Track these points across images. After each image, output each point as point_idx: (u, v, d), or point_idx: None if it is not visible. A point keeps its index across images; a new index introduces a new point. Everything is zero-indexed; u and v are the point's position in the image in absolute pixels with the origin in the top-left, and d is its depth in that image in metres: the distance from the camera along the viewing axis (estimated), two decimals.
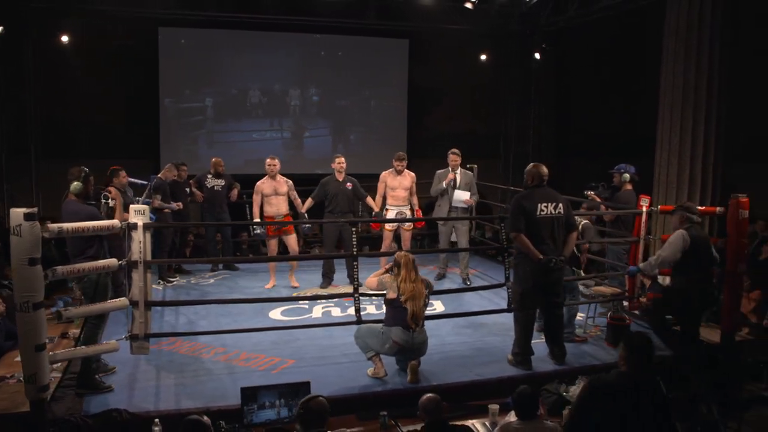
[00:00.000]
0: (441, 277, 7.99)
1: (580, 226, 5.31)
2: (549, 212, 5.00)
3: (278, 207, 7.52)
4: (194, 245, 9.66)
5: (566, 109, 13.92)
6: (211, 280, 8.09)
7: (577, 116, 13.97)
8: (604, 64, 13.19)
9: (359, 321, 5.34)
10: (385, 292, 4.99)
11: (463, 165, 8.05)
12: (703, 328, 6.25)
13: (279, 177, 7.56)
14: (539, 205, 4.99)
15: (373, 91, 12.87)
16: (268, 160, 7.57)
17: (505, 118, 13.43)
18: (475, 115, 13.29)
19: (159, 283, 7.70)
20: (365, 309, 6.44)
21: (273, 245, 7.65)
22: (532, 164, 5.32)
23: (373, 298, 6.07)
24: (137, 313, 4.75)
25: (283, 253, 7.96)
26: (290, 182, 7.66)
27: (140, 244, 4.70)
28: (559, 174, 12.49)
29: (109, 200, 5.02)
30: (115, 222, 4.58)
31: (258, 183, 7.55)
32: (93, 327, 4.76)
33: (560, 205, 5.06)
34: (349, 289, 6.93)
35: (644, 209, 6.14)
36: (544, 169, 5.19)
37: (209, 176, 8.66)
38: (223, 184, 8.67)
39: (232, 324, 6.21)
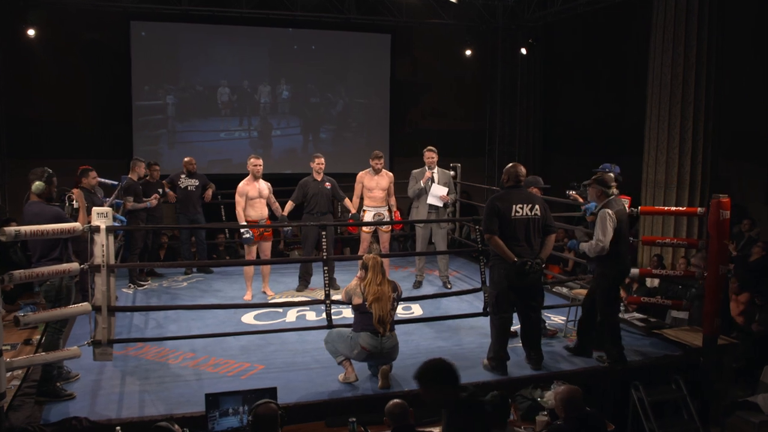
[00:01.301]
0: (418, 285, 7.98)
1: (597, 216, 5.34)
2: (525, 214, 5.08)
3: (261, 210, 7.43)
4: (168, 247, 9.69)
5: (552, 106, 14.06)
6: (184, 284, 8.11)
7: (564, 113, 14.11)
8: (591, 60, 13.34)
9: (330, 326, 5.39)
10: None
11: (446, 163, 8.10)
12: (685, 332, 6.38)
13: (261, 180, 7.47)
14: (514, 206, 5.07)
15: (354, 88, 12.97)
16: (252, 160, 7.36)
17: (491, 114, 13.53)
18: (460, 112, 13.42)
19: (129, 286, 7.73)
20: (341, 313, 6.50)
21: (254, 253, 7.46)
22: (510, 164, 5.41)
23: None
24: (100, 318, 4.79)
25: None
26: (269, 186, 7.60)
27: (103, 248, 4.74)
28: (544, 172, 12.64)
29: (74, 202, 5.04)
30: (77, 225, 4.60)
31: (241, 184, 7.35)
32: (54, 333, 4.77)
33: (537, 206, 5.14)
34: (315, 294, 7.07)
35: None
36: (522, 170, 5.28)
37: (182, 176, 8.65)
38: (197, 184, 8.67)
39: (203, 328, 6.25)
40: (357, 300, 4.97)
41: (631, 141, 11.04)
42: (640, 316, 7.22)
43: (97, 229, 4.72)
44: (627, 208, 6.13)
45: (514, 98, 13.36)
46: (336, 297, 5.60)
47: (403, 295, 7.10)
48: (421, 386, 3.13)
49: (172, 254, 9.57)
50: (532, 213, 5.12)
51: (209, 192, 8.82)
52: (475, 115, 13.50)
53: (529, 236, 5.09)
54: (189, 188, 8.61)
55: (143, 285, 7.88)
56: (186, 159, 8.77)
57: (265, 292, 7.63)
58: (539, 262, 5.08)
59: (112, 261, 4.83)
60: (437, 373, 3.18)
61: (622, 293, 6.61)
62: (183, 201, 8.62)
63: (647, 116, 9.64)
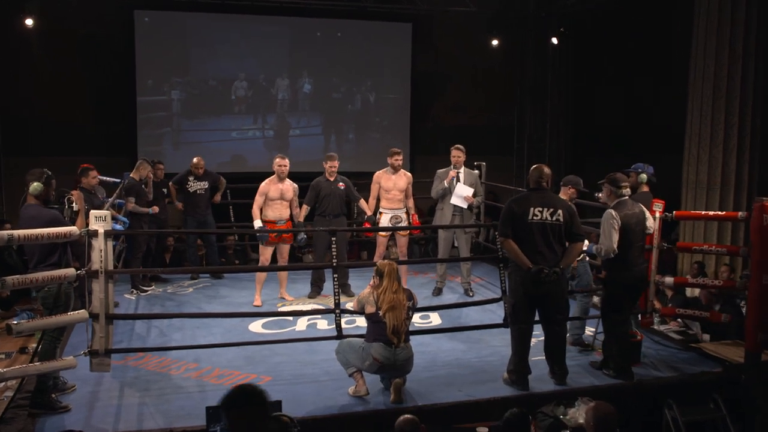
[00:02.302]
0: (438, 292, 8.02)
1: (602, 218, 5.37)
2: (544, 218, 5.07)
3: (281, 212, 7.52)
4: (174, 250, 9.81)
5: (586, 100, 13.97)
6: (190, 289, 8.22)
7: (598, 108, 14.02)
8: (628, 50, 13.22)
9: (339, 336, 5.43)
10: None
11: (469, 163, 8.10)
12: (726, 346, 6.31)
13: (287, 180, 7.54)
14: (532, 209, 5.08)
15: (372, 82, 12.99)
16: (277, 160, 7.47)
17: (519, 109, 13.49)
18: (485, 106, 13.38)
19: (132, 292, 7.86)
20: (355, 322, 6.54)
21: (268, 254, 7.57)
22: (534, 165, 5.42)
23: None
24: (97, 326, 4.87)
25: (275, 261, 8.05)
26: (296, 186, 7.66)
27: (101, 253, 4.82)
28: (576, 172, 12.54)
29: (73, 204, 5.13)
30: (73, 229, 4.69)
31: (263, 184, 7.47)
32: (51, 341, 4.87)
33: (560, 211, 5.12)
34: (326, 301, 7.11)
35: (657, 215, 6.17)
36: (546, 171, 5.28)
37: (190, 179, 8.72)
38: (206, 186, 8.75)
39: (209, 337, 6.35)
40: (370, 309, 5.01)
41: (670, 138, 10.95)
42: (677, 328, 7.19)
43: (95, 233, 4.81)
44: (659, 213, 6.10)
45: (544, 92, 13.30)
46: (349, 305, 5.65)
47: (422, 304, 7.21)
48: (227, 416, 2.88)
49: (178, 257, 9.68)
50: (553, 218, 5.10)
51: (218, 196, 8.94)
52: (502, 110, 13.46)
53: (548, 242, 5.08)
54: (198, 192, 8.70)
55: (146, 291, 7.99)
56: (194, 161, 8.77)
57: (283, 297, 7.76)
58: (557, 271, 5.04)
59: (111, 266, 4.92)
60: (243, 397, 2.93)
61: (657, 304, 6.58)
62: (191, 204, 8.71)
63: (688, 111, 9.55)
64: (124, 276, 8.05)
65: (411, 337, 5.21)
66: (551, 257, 5.08)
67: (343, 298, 6.83)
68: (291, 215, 7.63)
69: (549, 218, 5.10)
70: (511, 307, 5.28)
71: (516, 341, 5.24)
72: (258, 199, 7.47)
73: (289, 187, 7.56)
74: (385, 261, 5.16)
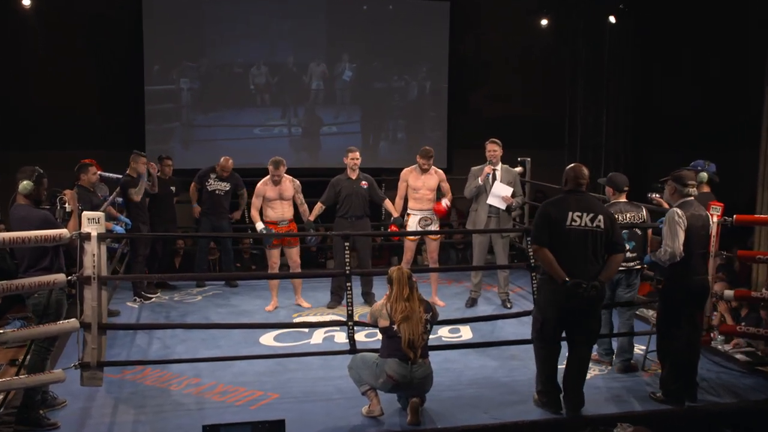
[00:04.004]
0: (472, 303, 8.08)
1: (665, 218, 5.37)
2: (583, 224, 5.04)
3: (282, 212, 7.75)
4: (185, 254, 10.03)
5: (649, 88, 13.80)
6: (199, 298, 8.43)
7: (663, 96, 13.84)
8: (698, 30, 13.03)
9: (353, 350, 5.53)
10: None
11: (513, 157, 8.10)
12: None
13: (284, 178, 7.76)
14: (570, 214, 5.05)
15: (405, 68, 12.94)
16: (271, 168, 7.67)
17: (571, 99, 13.38)
18: (533, 95, 13.30)
19: (135, 300, 8.08)
20: (376, 335, 6.61)
21: (275, 256, 7.84)
22: (572, 164, 5.42)
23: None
24: (89, 337, 5.05)
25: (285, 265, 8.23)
26: (297, 183, 7.87)
27: (94, 258, 5.00)
28: (637, 169, 12.47)
29: (66, 205, 5.30)
30: (64, 231, 4.87)
31: (259, 184, 7.74)
32: (40, 352, 5.04)
33: (600, 217, 5.07)
34: (359, 311, 7.22)
35: (715, 219, 6.12)
36: (584, 171, 5.25)
37: (212, 177, 8.90)
38: (227, 188, 8.93)
39: (214, 350, 6.53)
40: (383, 322, 5.09)
41: (746, 131, 10.78)
42: (746, 348, 7.10)
43: (87, 236, 4.99)
44: (716, 217, 6.06)
45: (600, 78, 13.15)
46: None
47: (453, 316, 7.30)
48: None
49: (189, 262, 9.82)
50: (594, 224, 5.05)
51: (237, 214, 9.19)
52: (551, 99, 13.32)
53: (586, 252, 5.03)
54: (217, 192, 8.89)
55: (150, 298, 8.20)
56: (221, 160, 8.92)
57: (299, 305, 7.95)
58: (597, 285, 4.98)
59: (105, 272, 5.10)
60: None
61: (730, 320, 6.51)
62: (208, 204, 8.91)
63: (765, 101, 9.41)
64: (127, 282, 8.29)
65: (436, 353, 5.27)
66: (590, 270, 5.03)
67: (364, 309, 6.96)
68: (298, 214, 7.83)
69: (589, 224, 5.04)
70: (540, 323, 5.24)
71: (542, 361, 5.24)
72: (255, 202, 7.72)
73: (288, 185, 7.74)
74: (395, 267, 5.25)
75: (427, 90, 13.06)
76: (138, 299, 8.09)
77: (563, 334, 5.27)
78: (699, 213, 5.39)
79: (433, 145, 8.47)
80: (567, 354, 5.34)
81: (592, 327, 5.25)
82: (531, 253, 5.49)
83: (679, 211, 5.29)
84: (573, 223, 5.04)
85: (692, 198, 5.43)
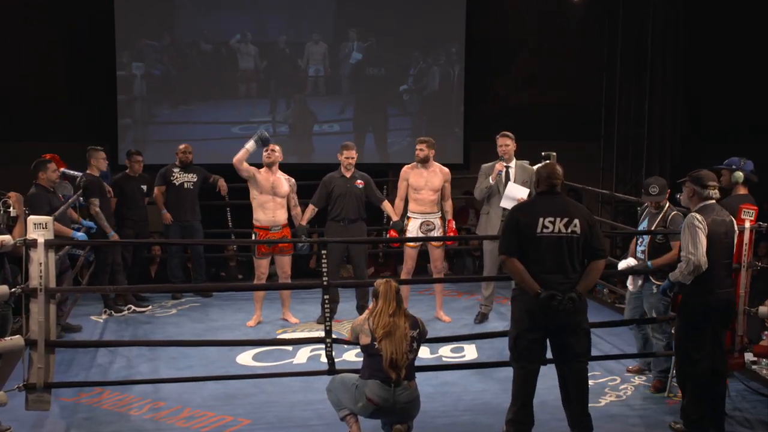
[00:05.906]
0: (482, 318, 8.12)
1: (683, 224, 5.38)
2: (557, 230, 5.03)
3: (275, 214, 7.75)
4: (161, 261, 10.18)
5: (699, 74, 13.74)
6: (173, 311, 8.58)
7: (716, 84, 13.76)
8: (757, 10, 12.95)
9: (332, 371, 5.63)
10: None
11: (538, 151, 8.22)
12: None
13: (279, 172, 7.82)
14: (541, 219, 5.03)
15: (417, 51, 13.01)
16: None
17: (608, 85, 13.37)
18: (563, 80, 13.29)
19: (105, 312, 8.24)
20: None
21: (264, 266, 7.87)
22: (545, 162, 5.46)
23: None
24: (35, 356, 5.18)
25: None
26: (293, 181, 7.94)
27: (41, 267, 5.14)
28: (687, 165, 12.37)
29: (10, 209, 5.44)
30: (7, 238, 5.02)
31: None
32: None
33: (577, 221, 5.06)
34: (339, 327, 7.36)
35: (747, 224, 6.13)
36: (558, 171, 5.22)
37: (176, 170, 9.01)
38: (195, 180, 9.04)
39: (184, 370, 6.64)
40: (365, 339, 5.16)
41: None
42: None
43: (33, 242, 5.12)
44: (749, 222, 6.07)
45: (644, 61, 13.12)
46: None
47: (460, 332, 7.38)
48: None
49: (166, 270, 9.90)
50: (569, 230, 5.04)
51: (222, 183, 9.17)
52: (585, 85, 13.32)
53: (562, 261, 5.04)
54: (185, 185, 8.98)
55: (122, 311, 8.34)
56: (181, 147, 9.09)
57: (286, 320, 8.05)
58: (574, 297, 4.98)
59: (53, 284, 5.23)
60: None
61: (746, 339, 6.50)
62: (175, 203, 8.98)
63: None
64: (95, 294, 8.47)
65: (433, 375, 5.32)
66: (564, 279, 5.05)
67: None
68: (290, 219, 7.89)
69: (563, 230, 5.04)
70: (513, 339, 5.23)
71: (517, 384, 5.21)
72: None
73: (282, 179, 7.80)
74: (382, 280, 5.31)
75: (443, 75, 13.08)
76: (108, 311, 8.23)
77: (547, 356, 5.28)
78: (722, 218, 5.40)
79: (448, 137, 8.46)
80: (558, 378, 5.34)
81: (580, 340, 5.20)
82: (501, 263, 5.48)
83: (698, 216, 5.29)
84: (545, 230, 5.03)
85: (713, 201, 5.45)
